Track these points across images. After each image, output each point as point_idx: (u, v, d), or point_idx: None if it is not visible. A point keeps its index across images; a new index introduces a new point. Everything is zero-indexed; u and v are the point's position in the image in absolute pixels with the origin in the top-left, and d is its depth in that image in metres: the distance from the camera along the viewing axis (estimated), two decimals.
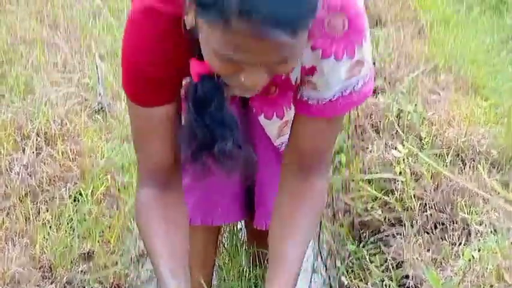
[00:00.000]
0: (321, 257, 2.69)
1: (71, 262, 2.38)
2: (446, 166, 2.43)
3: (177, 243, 1.56)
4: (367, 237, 2.50)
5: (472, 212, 2.26)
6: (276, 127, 1.77)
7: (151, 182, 1.56)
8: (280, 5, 1.12)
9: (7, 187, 2.47)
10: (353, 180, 2.62)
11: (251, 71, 1.23)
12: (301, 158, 1.57)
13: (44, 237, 2.36)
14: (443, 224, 2.32)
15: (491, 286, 1.97)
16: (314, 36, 1.34)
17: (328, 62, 1.38)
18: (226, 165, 1.44)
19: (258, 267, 2.52)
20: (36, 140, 2.73)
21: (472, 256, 2.02)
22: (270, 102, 1.70)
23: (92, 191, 2.62)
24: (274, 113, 1.73)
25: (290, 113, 1.66)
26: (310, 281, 2.59)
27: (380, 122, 2.81)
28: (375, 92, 3.00)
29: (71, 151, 2.73)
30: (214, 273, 2.44)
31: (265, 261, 2.57)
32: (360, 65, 1.41)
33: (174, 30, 1.33)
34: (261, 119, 1.74)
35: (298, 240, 1.57)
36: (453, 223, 2.27)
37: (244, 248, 2.51)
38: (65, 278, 2.30)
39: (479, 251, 2.06)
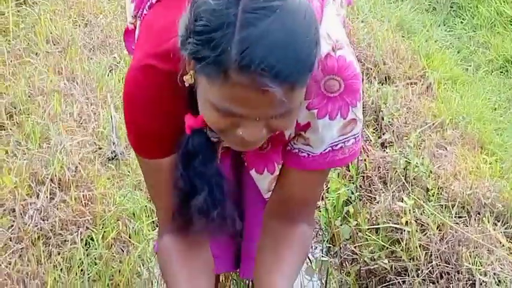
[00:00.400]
0: None
1: None
2: (452, 218, 2.47)
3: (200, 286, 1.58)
4: (373, 286, 2.52)
5: (476, 263, 2.29)
6: (266, 181, 1.80)
7: (170, 228, 1.59)
8: (279, 59, 1.15)
9: (20, 230, 2.52)
10: (360, 231, 2.66)
11: (249, 125, 1.25)
12: (287, 208, 1.60)
13: (55, 280, 2.40)
14: (448, 274, 2.35)
15: None
16: (310, 96, 1.39)
17: (323, 121, 1.43)
18: (200, 222, 1.49)
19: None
20: (50, 186, 2.79)
21: None
22: (262, 157, 1.74)
23: (103, 235, 2.67)
24: (266, 168, 1.76)
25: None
26: None
27: (387, 174, 2.86)
28: (383, 145, 3.07)
29: (83, 197, 2.79)
30: None
31: None
32: (353, 123, 1.46)
33: (172, 86, 1.36)
34: (252, 173, 1.78)
35: (286, 273, 1.57)
36: (458, 273, 2.30)
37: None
38: None
39: None
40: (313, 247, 2.91)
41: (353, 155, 1.51)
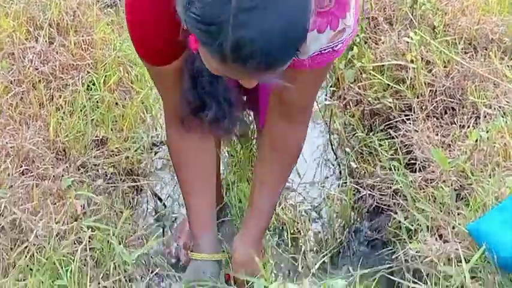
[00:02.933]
0: (332, 147, 2.71)
1: (85, 147, 2.43)
2: (459, 53, 2.41)
3: (205, 167, 1.90)
4: (377, 125, 2.51)
5: (481, 97, 2.26)
6: None
7: (175, 121, 1.78)
8: (271, 54, 1.21)
9: (20, 73, 2.49)
10: (365, 71, 2.61)
11: (246, 82, 1.37)
12: (285, 108, 1.74)
13: (58, 121, 2.39)
14: (453, 109, 2.33)
15: (498, 165, 1.98)
16: None
17: (311, 34, 1.41)
18: (213, 130, 1.72)
19: None
20: (49, 30, 2.73)
21: (480, 136, 2.03)
22: None
23: (104, 80, 2.64)
24: None
25: None
26: (320, 167, 2.64)
27: (393, 14, 2.78)
28: None
29: (83, 42, 2.74)
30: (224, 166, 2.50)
31: None
32: (342, 32, 1.50)
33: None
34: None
35: (271, 186, 1.89)
36: (463, 108, 2.28)
37: (255, 137, 2.53)
38: (78, 161, 2.34)
39: (487, 132, 2.06)
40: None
41: (341, 51, 1.60)
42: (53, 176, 2.13)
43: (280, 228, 2.37)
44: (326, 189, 2.52)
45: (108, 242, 1.99)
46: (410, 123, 2.31)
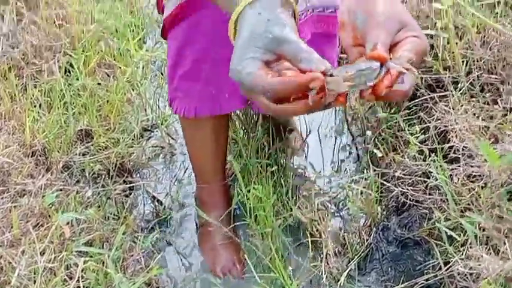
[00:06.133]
0: (347, 125, 2.40)
1: (67, 144, 2.11)
2: (496, 18, 2.08)
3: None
4: (401, 103, 2.19)
5: None
6: None
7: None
8: None
9: None
10: None
11: None
12: None
13: (34, 119, 2.06)
14: (491, 84, 2.01)
15: None
16: None
17: None
18: None
19: (277, 140, 2.25)
20: (16, 4, 2.36)
21: None
22: None
23: (84, 61, 2.30)
24: None
25: None
26: (334, 151, 2.33)
27: None
28: None
29: (56, 16, 2.37)
30: (229, 150, 2.18)
31: (284, 134, 2.30)
32: None
33: None
34: None
35: None
36: (506, 84, 1.96)
37: (259, 123, 2.22)
38: (61, 162, 2.03)
39: None
40: None
41: None
42: (34, 192, 1.82)
43: (297, 227, 2.09)
44: (346, 181, 2.21)
45: (103, 270, 1.69)
46: (444, 104, 2.00)
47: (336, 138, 2.39)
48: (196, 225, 2.10)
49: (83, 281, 1.64)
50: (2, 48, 2.20)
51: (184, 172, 2.30)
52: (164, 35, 1.71)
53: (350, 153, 2.36)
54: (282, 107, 0.92)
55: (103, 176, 2.13)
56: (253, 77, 0.91)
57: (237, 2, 0.98)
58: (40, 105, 2.11)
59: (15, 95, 2.12)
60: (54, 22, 2.36)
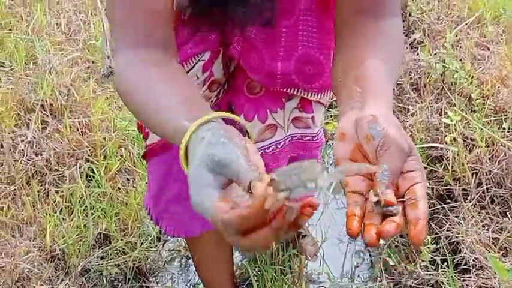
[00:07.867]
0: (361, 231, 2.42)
1: (86, 248, 2.16)
2: (503, 132, 2.15)
3: (182, 85, 1.13)
4: None
5: None
6: (256, 130, 1.52)
7: (134, 39, 1.17)
8: None
9: (11, 169, 2.22)
10: None
11: None
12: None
13: (55, 224, 2.12)
14: (501, 197, 2.06)
15: None
16: None
17: None
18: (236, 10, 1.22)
19: (291, 246, 2.29)
20: (41, 113, 2.46)
21: None
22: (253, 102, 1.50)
23: (105, 167, 2.37)
24: (256, 115, 1.51)
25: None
26: (344, 259, 2.36)
27: (420, 80, 2.52)
28: (413, 46, 2.71)
29: (79, 124, 2.47)
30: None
31: (298, 239, 2.33)
32: None
33: None
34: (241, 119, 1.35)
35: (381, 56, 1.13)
36: None
37: None
38: (79, 266, 2.08)
39: None
40: None
41: None
42: None
43: None
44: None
45: None
46: (454, 215, 2.04)
47: (348, 244, 2.42)
48: None
49: None
50: (27, 155, 2.28)
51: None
52: (146, 157, 1.61)
53: (363, 259, 2.38)
54: (250, 239, 0.82)
55: (120, 279, 2.17)
56: (213, 211, 0.85)
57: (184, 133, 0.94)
58: (61, 210, 2.18)
59: (37, 201, 2.18)
60: (78, 130, 2.45)
